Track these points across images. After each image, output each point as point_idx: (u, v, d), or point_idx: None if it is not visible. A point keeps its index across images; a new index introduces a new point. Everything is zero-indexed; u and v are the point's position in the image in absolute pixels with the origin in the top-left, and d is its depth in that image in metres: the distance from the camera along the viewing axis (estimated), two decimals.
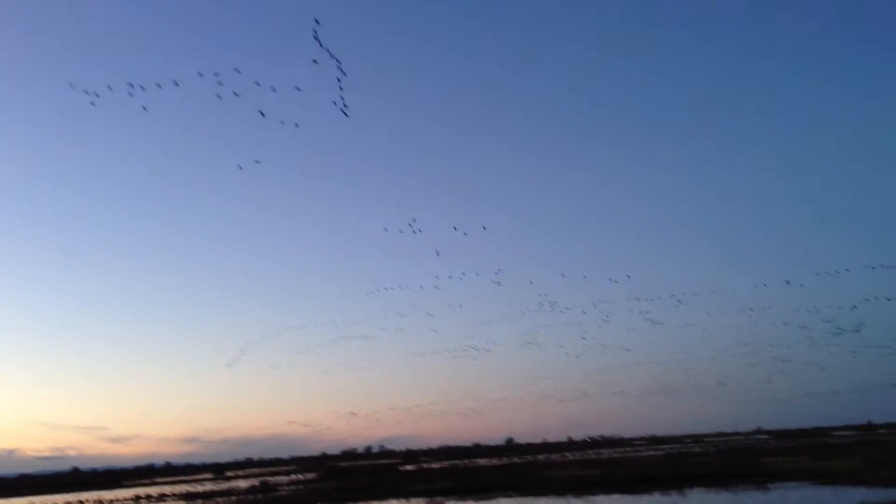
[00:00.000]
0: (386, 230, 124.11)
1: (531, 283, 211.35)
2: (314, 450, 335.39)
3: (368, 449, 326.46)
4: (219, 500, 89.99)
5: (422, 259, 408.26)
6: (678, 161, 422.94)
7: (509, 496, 69.23)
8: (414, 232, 77.27)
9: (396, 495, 77.25)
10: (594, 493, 66.91)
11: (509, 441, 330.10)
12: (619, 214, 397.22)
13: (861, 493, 53.21)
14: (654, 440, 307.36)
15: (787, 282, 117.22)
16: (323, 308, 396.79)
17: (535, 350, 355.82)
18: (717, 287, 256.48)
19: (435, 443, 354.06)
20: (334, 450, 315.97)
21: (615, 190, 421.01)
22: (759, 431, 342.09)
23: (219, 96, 53.37)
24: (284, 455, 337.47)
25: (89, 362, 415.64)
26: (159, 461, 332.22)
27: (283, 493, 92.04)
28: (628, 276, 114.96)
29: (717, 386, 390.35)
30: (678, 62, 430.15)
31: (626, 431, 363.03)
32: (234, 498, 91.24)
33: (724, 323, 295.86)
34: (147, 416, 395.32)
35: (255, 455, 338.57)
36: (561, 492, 68.92)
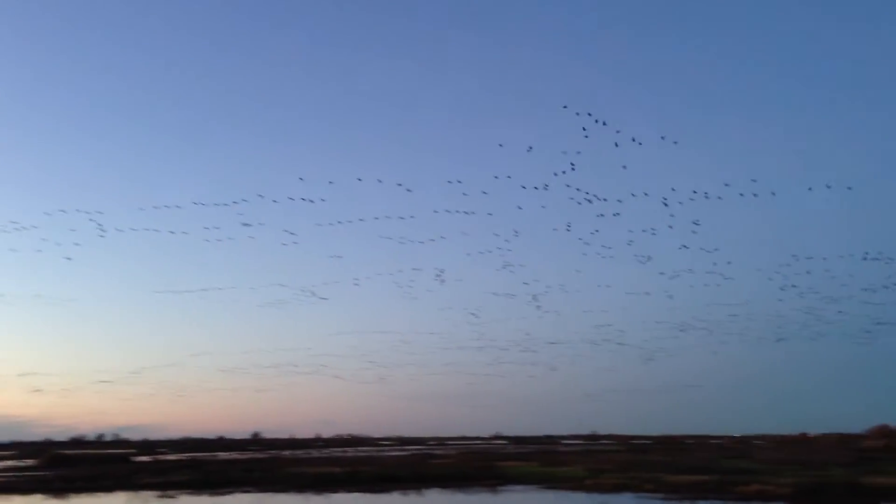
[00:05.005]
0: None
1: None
2: (38, 435, 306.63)
3: (100, 437, 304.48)
4: None
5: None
6: None
7: (247, 491, 67.14)
8: None
9: (125, 488, 72.16)
10: (335, 490, 66.82)
11: (255, 435, 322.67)
12: None
13: (580, 498, 57.60)
14: (401, 441, 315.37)
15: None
16: None
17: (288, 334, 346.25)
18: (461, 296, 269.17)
19: (176, 434, 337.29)
20: (61, 436, 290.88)
21: None
22: (498, 437, 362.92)
23: None
24: (3, 439, 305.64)
25: None
26: None
27: None
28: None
29: (463, 391, 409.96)
30: None
31: (375, 431, 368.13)
32: None
33: (466, 330, 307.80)
34: None
35: None
36: (301, 489, 68.02)
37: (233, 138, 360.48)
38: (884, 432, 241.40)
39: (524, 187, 73.34)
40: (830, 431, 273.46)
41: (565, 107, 64.37)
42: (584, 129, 63.24)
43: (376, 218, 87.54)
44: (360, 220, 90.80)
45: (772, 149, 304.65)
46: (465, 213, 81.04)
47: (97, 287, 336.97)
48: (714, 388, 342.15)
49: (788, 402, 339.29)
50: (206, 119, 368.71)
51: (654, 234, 77.87)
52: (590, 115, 62.81)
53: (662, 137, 79.54)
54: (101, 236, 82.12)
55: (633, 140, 65.57)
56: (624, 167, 69.35)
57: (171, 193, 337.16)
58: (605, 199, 71.89)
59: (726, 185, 72.49)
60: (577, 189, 70.24)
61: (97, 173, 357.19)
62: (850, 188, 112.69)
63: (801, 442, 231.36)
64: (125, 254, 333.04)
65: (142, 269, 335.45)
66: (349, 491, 66.56)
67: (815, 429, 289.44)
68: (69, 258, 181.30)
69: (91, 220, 76.37)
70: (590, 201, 70.95)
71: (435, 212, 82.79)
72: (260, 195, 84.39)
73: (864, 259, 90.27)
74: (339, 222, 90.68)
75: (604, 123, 62.70)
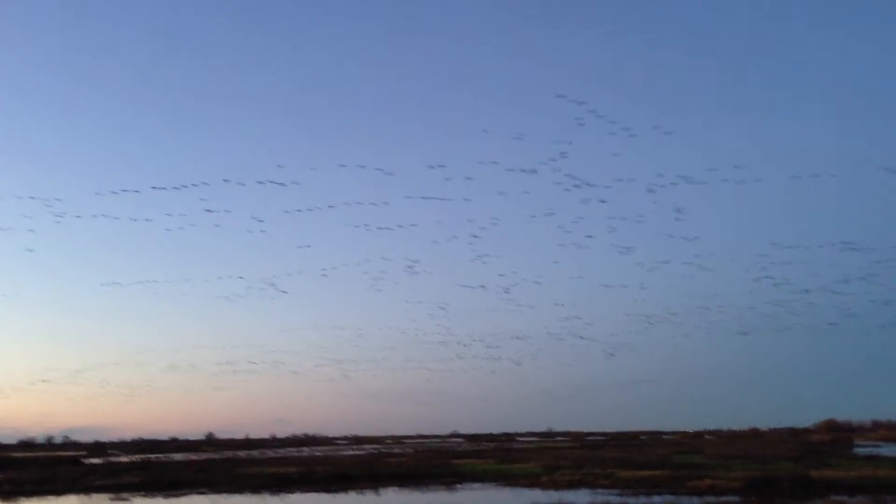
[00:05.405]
0: None
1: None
2: None
3: (50, 440, 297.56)
4: None
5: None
6: None
7: (201, 493, 66.17)
8: None
9: (76, 490, 70.57)
10: (290, 490, 66.22)
11: (209, 436, 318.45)
12: None
13: (536, 494, 57.87)
14: (357, 440, 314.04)
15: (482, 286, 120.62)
16: None
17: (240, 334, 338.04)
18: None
19: (128, 435, 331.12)
20: (9, 439, 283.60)
21: None
22: (454, 435, 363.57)
23: None
24: None
25: None
26: None
27: None
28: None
29: (422, 388, 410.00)
30: None
31: (331, 430, 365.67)
32: None
33: (428, 324, 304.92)
34: None
35: None
36: (256, 489, 67.26)
37: (200, 116, 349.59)
38: (831, 426, 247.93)
39: (511, 170, 72.24)
40: (780, 426, 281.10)
41: (559, 96, 63.84)
42: (579, 118, 63.17)
43: (346, 204, 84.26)
44: (330, 206, 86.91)
45: (758, 137, 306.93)
46: (440, 199, 79.50)
47: (43, 280, 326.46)
48: (670, 384, 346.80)
49: (741, 397, 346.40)
50: (173, 96, 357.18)
51: (639, 221, 77.74)
52: (581, 104, 62.82)
53: (655, 127, 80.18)
54: (59, 222, 78.71)
55: (625, 130, 65.72)
56: (616, 154, 68.83)
57: (130, 176, 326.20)
58: (593, 185, 71.27)
59: (711, 169, 72.49)
60: (567, 175, 69.42)
61: (52, 156, 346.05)
62: (833, 176, 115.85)
63: (752, 437, 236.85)
64: (75, 244, 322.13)
65: (92, 259, 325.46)
66: (304, 491, 66.03)
67: (765, 424, 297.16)
68: (31, 250, 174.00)
69: (48, 206, 73.64)
70: (578, 187, 70.33)
71: (408, 197, 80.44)
72: (225, 179, 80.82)
73: (843, 249, 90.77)
74: (308, 209, 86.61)
75: (599, 115, 62.60)
